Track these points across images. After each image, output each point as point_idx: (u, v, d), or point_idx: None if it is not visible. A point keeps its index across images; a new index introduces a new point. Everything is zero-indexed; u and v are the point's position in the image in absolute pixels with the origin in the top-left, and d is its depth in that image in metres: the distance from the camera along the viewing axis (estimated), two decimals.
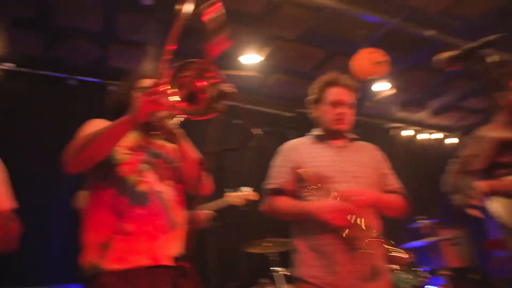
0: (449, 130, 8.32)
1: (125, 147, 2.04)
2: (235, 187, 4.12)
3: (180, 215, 2.11)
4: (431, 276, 4.68)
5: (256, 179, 5.38)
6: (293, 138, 2.69)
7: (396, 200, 2.59)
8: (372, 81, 4.15)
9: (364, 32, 4.80)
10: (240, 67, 5.23)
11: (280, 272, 4.24)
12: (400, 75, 5.91)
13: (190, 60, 1.81)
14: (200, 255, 4.60)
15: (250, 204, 4.09)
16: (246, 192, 4.08)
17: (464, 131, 8.43)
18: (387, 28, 4.81)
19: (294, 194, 2.47)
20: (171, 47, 1.78)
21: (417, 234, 5.65)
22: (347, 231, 2.24)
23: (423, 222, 5.68)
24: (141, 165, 2.04)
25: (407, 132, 7.93)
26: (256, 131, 4.69)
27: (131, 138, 2.09)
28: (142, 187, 1.98)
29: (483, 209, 2.67)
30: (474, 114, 7.58)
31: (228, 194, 4.01)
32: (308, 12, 4.48)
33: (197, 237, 2.70)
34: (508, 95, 2.67)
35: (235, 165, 5.88)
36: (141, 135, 2.15)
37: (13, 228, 1.89)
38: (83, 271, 1.89)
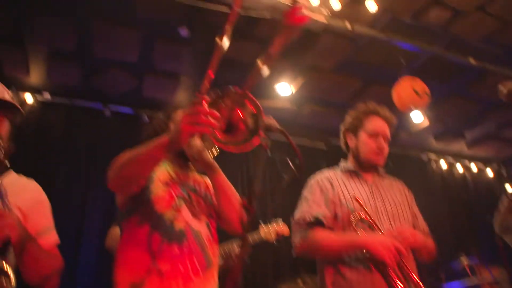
0: (486, 161, 8.02)
1: (160, 180, 1.97)
2: (267, 221, 3.98)
3: (215, 254, 2.01)
4: None
5: (288, 212, 5.27)
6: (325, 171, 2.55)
7: (430, 244, 2.47)
8: (409, 111, 4.02)
9: (402, 60, 4.70)
10: (274, 97, 5.17)
11: None
12: (436, 105, 5.75)
13: (229, 88, 1.73)
14: None
15: (282, 239, 3.95)
16: (279, 226, 3.93)
17: (502, 163, 8.13)
18: (425, 56, 4.70)
19: (330, 229, 2.30)
20: (209, 77, 1.65)
21: (457, 274, 5.32)
22: (395, 270, 2.09)
23: (463, 261, 5.33)
24: (177, 200, 1.96)
25: (443, 164, 7.66)
26: (292, 163, 4.54)
27: (167, 171, 2.02)
28: (179, 224, 1.89)
29: None
30: None
31: (261, 228, 3.86)
32: (345, 41, 4.42)
33: (226, 275, 2.57)
34: None
35: (265, 197, 5.75)
36: (176, 168, 2.08)
37: (54, 265, 1.80)
38: None
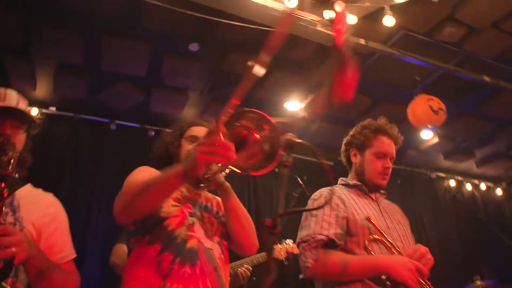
0: (496, 180, 7.91)
1: (172, 198, 1.88)
2: (277, 240, 3.89)
3: (227, 276, 1.91)
4: None
5: (292, 230, 5.17)
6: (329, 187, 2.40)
7: None
8: (418, 128, 3.93)
9: (417, 77, 4.63)
10: (284, 114, 5.10)
11: None
12: (447, 122, 5.66)
13: (247, 109, 1.62)
14: None
15: (291, 258, 3.86)
16: (289, 246, 3.85)
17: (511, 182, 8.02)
18: (438, 73, 4.63)
19: (343, 248, 2.15)
20: (235, 101, 1.56)
21: None
22: None
23: (477, 283, 5.17)
24: (189, 217, 1.86)
25: (451, 182, 7.55)
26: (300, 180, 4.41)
27: (179, 188, 1.91)
28: (191, 242, 1.79)
29: None
30: None
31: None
32: (356, 58, 4.34)
33: None
34: None
35: (272, 214, 5.63)
36: (188, 186, 1.99)
37: (69, 284, 1.70)
38: None
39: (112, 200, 4.86)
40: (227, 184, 1.91)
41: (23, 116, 1.72)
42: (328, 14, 3.20)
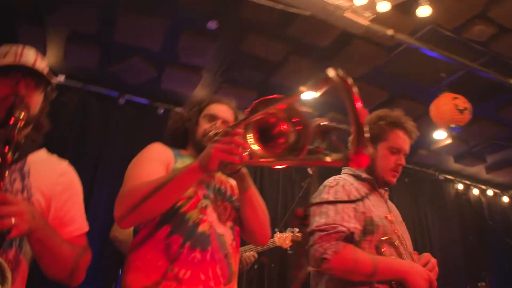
0: (503, 188, 7.80)
1: None
2: (281, 228, 3.82)
3: (237, 264, 1.80)
4: None
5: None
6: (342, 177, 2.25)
7: None
8: (439, 127, 3.79)
9: (434, 75, 4.48)
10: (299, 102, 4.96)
11: None
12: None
13: (273, 97, 1.49)
14: None
15: (295, 247, 3.80)
16: (294, 234, 3.80)
17: None
18: (461, 73, 4.47)
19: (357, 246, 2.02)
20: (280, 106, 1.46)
21: None
22: None
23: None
24: (202, 200, 1.76)
25: (459, 186, 7.44)
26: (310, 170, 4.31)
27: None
28: (203, 226, 1.69)
29: None
30: None
31: (276, 235, 3.74)
32: (379, 50, 4.21)
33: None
34: None
35: (276, 204, 5.56)
36: None
37: (79, 259, 1.54)
38: None
39: (115, 175, 4.75)
40: (245, 170, 1.79)
41: (41, 76, 1.57)
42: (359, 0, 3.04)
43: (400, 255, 1.99)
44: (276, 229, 3.77)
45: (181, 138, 2.02)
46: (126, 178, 1.70)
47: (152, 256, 1.62)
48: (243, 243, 2.98)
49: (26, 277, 1.51)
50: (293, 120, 1.48)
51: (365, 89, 4.93)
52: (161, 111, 5.26)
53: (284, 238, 3.75)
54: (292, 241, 3.75)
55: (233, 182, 1.98)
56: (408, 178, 6.67)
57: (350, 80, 0.91)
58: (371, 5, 3.12)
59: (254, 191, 1.82)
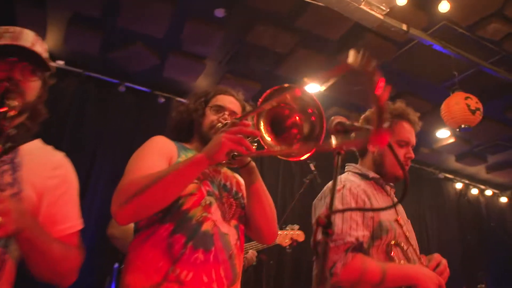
0: (502, 188, 7.78)
1: None
2: (280, 225, 3.74)
3: (241, 265, 1.71)
4: None
5: (299, 216, 5.03)
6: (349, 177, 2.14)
7: None
8: (457, 127, 3.72)
9: (444, 73, 4.39)
10: None
11: None
12: None
13: (286, 85, 1.45)
14: None
15: (295, 245, 3.73)
16: (294, 232, 3.75)
17: None
18: (470, 71, 4.39)
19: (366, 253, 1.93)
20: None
21: None
22: None
23: None
24: (206, 197, 1.65)
25: (458, 185, 7.41)
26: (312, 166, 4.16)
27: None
28: (206, 225, 1.59)
29: None
30: None
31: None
32: (389, 44, 4.10)
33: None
34: None
35: (276, 200, 5.48)
36: None
37: (71, 260, 1.43)
38: None
39: (114, 165, 4.59)
40: (253, 164, 1.70)
41: (39, 60, 1.44)
42: None
43: (408, 259, 1.91)
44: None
45: (185, 131, 1.92)
46: (126, 172, 1.59)
47: (153, 256, 1.52)
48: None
49: (14, 277, 1.39)
50: (308, 110, 1.43)
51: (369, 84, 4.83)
52: (162, 100, 5.13)
53: (284, 236, 3.68)
54: (292, 239, 3.68)
55: (239, 178, 1.88)
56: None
57: (372, 64, 0.83)
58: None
59: (261, 184, 1.73)
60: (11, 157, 1.38)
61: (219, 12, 3.88)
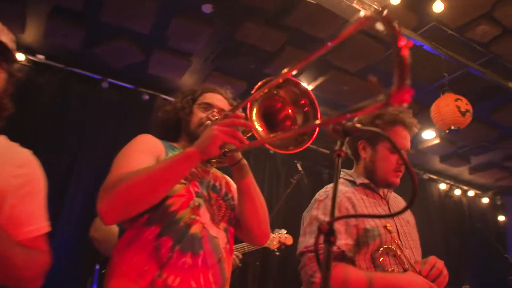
0: (483, 189, 7.87)
1: None
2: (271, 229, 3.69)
3: (230, 269, 1.65)
4: None
5: (283, 219, 4.97)
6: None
7: None
8: (447, 129, 3.70)
9: (432, 74, 4.38)
10: None
11: None
12: None
13: (290, 79, 1.39)
14: None
15: (283, 249, 3.68)
16: (282, 235, 3.71)
17: (498, 192, 8.00)
18: (459, 72, 4.38)
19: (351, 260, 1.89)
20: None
21: None
22: None
23: None
24: (195, 198, 1.58)
25: (442, 186, 7.47)
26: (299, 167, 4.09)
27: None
28: (195, 228, 1.52)
29: None
30: None
31: None
32: (379, 45, 4.06)
33: None
34: None
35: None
36: None
37: (35, 265, 1.34)
38: None
39: (95, 164, 4.44)
40: (245, 161, 1.64)
41: (3, 51, 1.34)
42: None
43: (401, 266, 1.85)
44: None
45: (173, 129, 1.85)
46: (112, 170, 1.50)
47: (138, 260, 1.45)
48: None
49: None
50: (301, 102, 1.40)
51: (359, 84, 4.80)
52: (147, 97, 5.01)
53: (271, 239, 3.64)
54: (280, 242, 3.65)
55: (229, 179, 1.83)
56: None
57: (395, 21, 0.76)
58: None
59: (253, 182, 1.67)
60: None
61: (207, 8, 3.77)
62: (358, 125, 1.22)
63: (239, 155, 1.61)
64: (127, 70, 4.71)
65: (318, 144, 6.03)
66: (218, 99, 1.87)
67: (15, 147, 1.45)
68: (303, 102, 1.39)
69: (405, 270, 1.82)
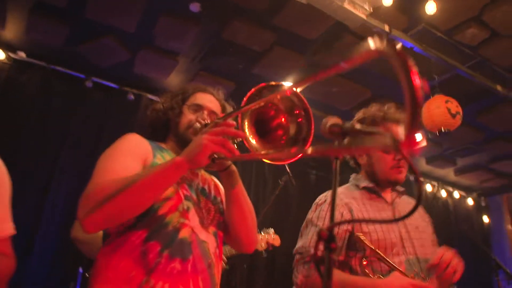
0: (468, 190, 7.94)
1: None
2: (258, 230, 3.63)
3: (219, 274, 1.60)
4: None
5: (271, 221, 4.91)
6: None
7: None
8: (437, 131, 3.68)
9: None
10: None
11: None
12: None
13: (273, 84, 1.35)
14: None
15: (271, 250, 3.64)
16: (270, 236, 3.64)
17: (482, 193, 8.08)
18: (447, 76, 4.38)
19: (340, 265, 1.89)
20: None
21: None
22: None
23: None
24: (184, 202, 1.53)
25: (428, 187, 7.50)
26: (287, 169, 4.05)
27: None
28: (183, 232, 1.47)
29: None
30: (499, 178, 7.23)
31: None
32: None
33: None
34: None
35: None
36: None
37: (2, 266, 1.30)
38: None
39: (78, 166, 4.32)
40: (234, 167, 1.60)
41: None
42: None
43: (391, 269, 1.81)
44: None
45: (161, 130, 1.80)
46: (95, 173, 1.43)
47: (124, 265, 1.38)
48: None
49: None
50: (295, 111, 1.35)
51: (347, 86, 4.78)
52: (132, 97, 4.89)
53: (259, 240, 3.57)
54: (268, 243, 3.59)
55: (217, 181, 1.79)
56: None
57: (404, 51, 0.68)
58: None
59: (242, 189, 1.63)
60: None
61: (194, 7, 3.69)
62: (357, 126, 1.17)
63: (229, 161, 1.57)
64: (112, 69, 4.60)
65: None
66: (209, 100, 1.81)
67: None
68: (297, 112, 1.35)
69: (389, 271, 1.80)
